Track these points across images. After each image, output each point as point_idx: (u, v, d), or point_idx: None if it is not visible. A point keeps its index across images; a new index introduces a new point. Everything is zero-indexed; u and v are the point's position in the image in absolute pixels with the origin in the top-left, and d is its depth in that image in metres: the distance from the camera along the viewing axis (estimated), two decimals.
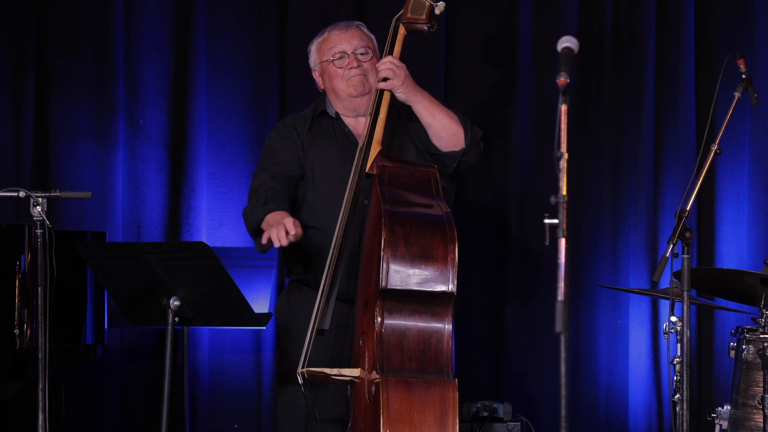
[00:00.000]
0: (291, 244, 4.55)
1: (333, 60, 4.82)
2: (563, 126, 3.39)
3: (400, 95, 4.70)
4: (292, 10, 6.50)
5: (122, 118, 6.43)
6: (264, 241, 4.55)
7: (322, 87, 4.91)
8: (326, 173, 4.82)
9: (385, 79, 4.69)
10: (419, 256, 4.34)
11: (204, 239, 6.31)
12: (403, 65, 4.70)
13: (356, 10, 6.43)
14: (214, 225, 6.43)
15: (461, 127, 4.76)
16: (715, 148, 4.67)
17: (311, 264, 4.79)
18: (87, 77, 6.44)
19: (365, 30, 4.89)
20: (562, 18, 6.42)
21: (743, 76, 4.76)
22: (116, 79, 6.42)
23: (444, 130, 4.76)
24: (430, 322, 4.36)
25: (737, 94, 4.74)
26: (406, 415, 4.22)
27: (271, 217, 4.61)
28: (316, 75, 4.92)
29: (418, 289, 4.33)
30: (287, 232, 4.44)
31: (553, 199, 3.38)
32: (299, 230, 4.48)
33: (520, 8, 6.44)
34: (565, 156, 3.38)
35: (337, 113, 4.88)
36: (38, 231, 4.62)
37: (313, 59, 4.90)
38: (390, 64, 4.69)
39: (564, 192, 3.37)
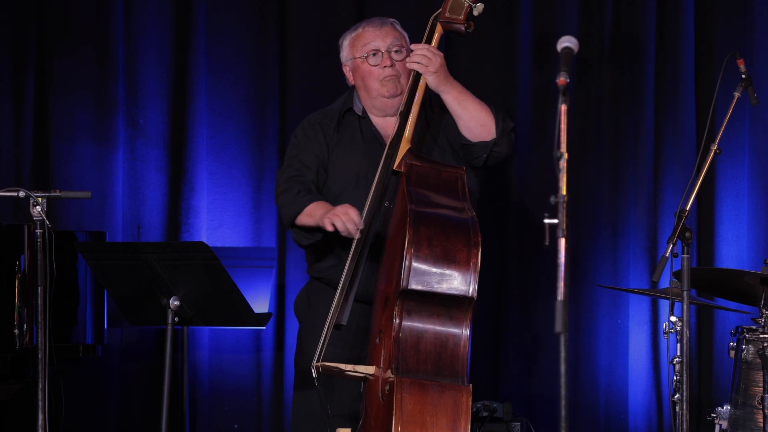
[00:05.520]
0: (314, 243, 4.67)
1: (366, 57, 4.79)
2: (563, 126, 3.39)
3: (431, 82, 4.65)
4: (292, 10, 6.50)
5: (122, 118, 6.43)
6: (329, 228, 4.51)
7: (352, 82, 4.87)
8: (351, 173, 4.79)
9: (418, 63, 4.66)
10: (442, 258, 4.31)
11: (204, 239, 6.31)
12: (440, 54, 4.65)
13: (356, 10, 6.42)
14: (214, 225, 6.43)
15: (492, 117, 4.72)
16: (714, 147, 4.67)
17: (332, 263, 4.77)
18: (87, 77, 6.44)
19: (399, 27, 4.85)
20: (562, 18, 6.42)
21: (743, 76, 4.76)
22: (116, 79, 6.42)
23: (473, 120, 4.71)
24: (448, 325, 4.34)
25: (737, 94, 4.74)
26: (419, 417, 4.21)
27: (317, 208, 4.62)
28: (346, 70, 4.87)
29: (438, 291, 4.30)
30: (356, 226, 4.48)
31: (553, 199, 3.38)
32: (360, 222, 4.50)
33: (520, 8, 6.43)
34: (565, 156, 3.38)
35: (364, 111, 4.85)
36: (38, 231, 4.62)
37: (345, 54, 4.85)
38: (426, 50, 4.65)
39: (564, 192, 3.37)
